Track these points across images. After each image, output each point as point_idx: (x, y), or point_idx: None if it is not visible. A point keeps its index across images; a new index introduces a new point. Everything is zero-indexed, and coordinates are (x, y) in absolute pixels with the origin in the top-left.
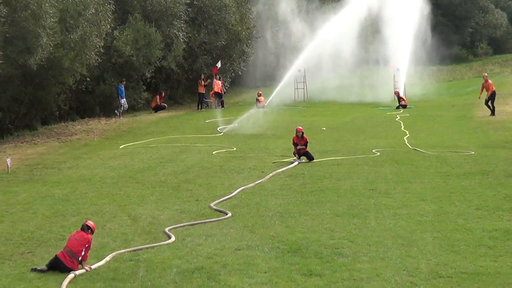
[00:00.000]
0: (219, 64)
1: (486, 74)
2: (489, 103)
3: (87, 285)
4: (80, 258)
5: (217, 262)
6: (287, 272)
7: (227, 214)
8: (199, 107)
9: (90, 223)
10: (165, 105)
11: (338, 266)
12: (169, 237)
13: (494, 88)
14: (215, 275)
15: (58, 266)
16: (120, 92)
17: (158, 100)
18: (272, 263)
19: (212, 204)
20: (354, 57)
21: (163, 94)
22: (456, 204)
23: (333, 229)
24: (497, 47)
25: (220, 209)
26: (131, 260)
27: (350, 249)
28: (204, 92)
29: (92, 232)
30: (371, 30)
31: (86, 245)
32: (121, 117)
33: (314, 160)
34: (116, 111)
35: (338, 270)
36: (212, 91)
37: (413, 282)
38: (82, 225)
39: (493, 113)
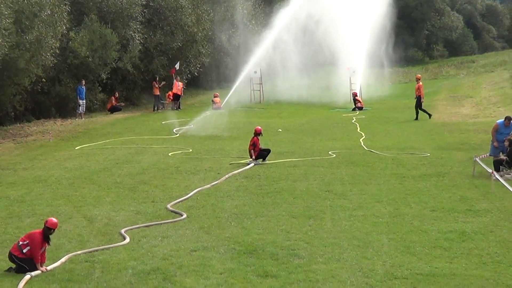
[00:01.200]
0: (177, 66)
1: (419, 75)
2: (417, 107)
3: (42, 286)
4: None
5: (172, 263)
6: (243, 273)
7: (182, 216)
8: (155, 108)
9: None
10: (121, 106)
11: (294, 267)
12: (124, 238)
13: (422, 92)
14: (171, 276)
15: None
16: (79, 93)
17: (113, 101)
18: (228, 264)
19: (168, 206)
20: (309, 59)
21: (117, 95)
22: (412, 206)
23: (289, 230)
24: (453, 50)
25: (176, 210)
26: (86, 261)
27: (306, 251)
28: (159, 93)
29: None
30: (327, 31)
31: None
32: (82, 118)
33: (269, 161)
34: (77, 111)
35: (294, 272)
36: (171, 92)
37: (368, 283)
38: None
39: (416, 117)
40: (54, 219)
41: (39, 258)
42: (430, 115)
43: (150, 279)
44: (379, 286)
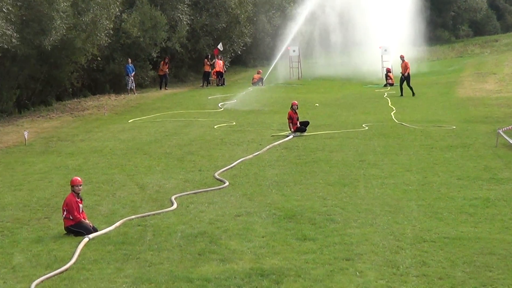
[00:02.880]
0: (220, 46)
1: (402, 54)
2: (404, 84)
3: (99, 248)
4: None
5: (218, 227)
6: (283, 236)
7: (225, 183)
8: (204, 84)
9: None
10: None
11: (330, 231)
12: (173, 204)
13: (409, 69)
14: (217, 239)
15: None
16: (127, 70)
17: (163, 67)
18: (269, 229)
19: (215, 174)
20: (344, 38)
21: (167, 60)
22: (439, 175)
23: (326, 197)
24: (477, 30)
25: (221, 178)
26: (139, 225)
27: (341, 216)
28: (209, 70)
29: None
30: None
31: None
32: (135, 93)
33: (307, 134)
34: (127, 87)
35: (330, 235)
36: (214, 70)
37: (399, 246)
38: None
39: (413, 93)
40: (76, 177)
41: (79, 216)
42: (401, 95)
43: (198, 241)
44: (409, 248)
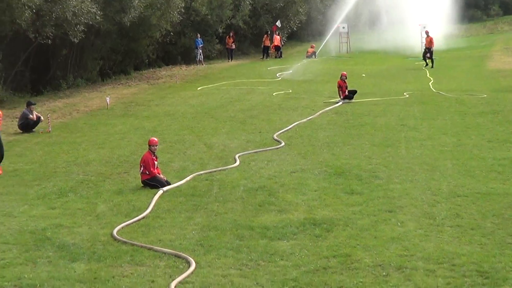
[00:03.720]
0: (278, 23)
1: (428, 30)
2: (428, 56)
3: (172, 199)
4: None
5: (276, 182)
6: (333, 190)
7: (282, 144)
8: (264, 57)
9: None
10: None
11: (375, 186)
12: (236, 162)
13: (433, 44)
14: (275, 192)
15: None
16: (196, 44)
17: (228, 41)
18: (321, 183)
19: (274, 135)
20: (388, 15)
21: (231, 33)
22: (472, 137)
23: (371, 156)
24: (507, 9)
25: (278, 139)
26: (206, 180)
27: (384, 173)
28: (268, 45)
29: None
30: None
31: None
32: (203, 64)
33: (354, 101)
34: (196, 58)
35: (375, 190)
36: (273, 44)
37: (436, 200)
38: None
39: (432, 65)
40: (153, 138)
41: (154, 172)
42: (427, 65)
43: (258, 194)
44: (444, 202)
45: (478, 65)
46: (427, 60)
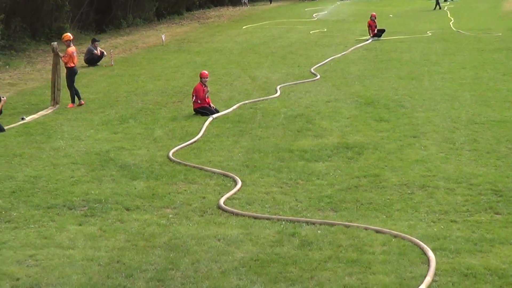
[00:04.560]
0: None
1: None
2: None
3: (220, 125)
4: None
5: (313, 110)
6: (363, 118)
7: (318, 76)
8: None
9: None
10: None
11: (401, 114)
12: (276, 92)
13: None
14: (312, 120)
15: (197, 113)
16: None
17: None
18: (353, 112)
19: (311, 69)
20: None
21: None
22: (488, 71)
23: (397, 88)
24: None
25: (315, 72)
26: (251, 108)
27: (409, 103)
28: None
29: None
30: None
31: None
32: (248, 6)
33: (382, 38)
34: (242, 1)
35: (401, 117)
36: None
37: (455, 127)
38: None
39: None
40: (204, 71)
41: (205, 100)
42: (440, 8)
43: (297, 121)
44: (463, 129)
45: (494, 7)
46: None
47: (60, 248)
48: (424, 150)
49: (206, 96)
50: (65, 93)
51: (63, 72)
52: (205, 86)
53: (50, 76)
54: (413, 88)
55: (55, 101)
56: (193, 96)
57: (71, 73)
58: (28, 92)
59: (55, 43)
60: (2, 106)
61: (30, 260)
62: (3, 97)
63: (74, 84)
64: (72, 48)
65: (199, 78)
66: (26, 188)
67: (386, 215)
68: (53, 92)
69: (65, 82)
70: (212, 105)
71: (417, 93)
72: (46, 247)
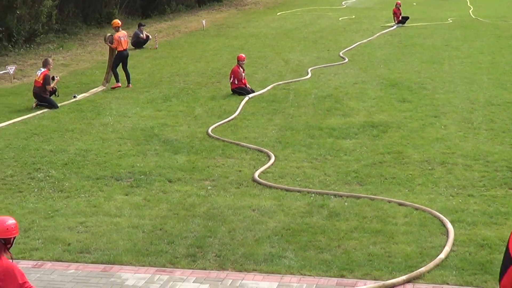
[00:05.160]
0: None
1: None
2: None
3: (256, 104)
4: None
5: (341, 91)
6: (388, 99)
7: (346, 60)
8: None
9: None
10: None
11: (423, 96)
12: (308, 74)
13: None
14: (340, 100)
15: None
16: None
17: None
18: (378, 93)
19: (340, 53)
20: None
21: None
22: (505, 56)
23: (420, 71)
24: None
25: (343, 56)
26: (284, 89)
27: (431, 85)
28: None
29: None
30: None
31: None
32: None
33: (406, 25)
34: None
35: (423, 99)
36: None
37: (473, 108)
38: None
39: None
40: (241, 54)
41: (242, 81)
42: None
43: (326, 101)
44: (481, 109)
45: None
46: None
47: (108, 216)
48: (444, 129)
49: (243, 77)
50: (121, 76)
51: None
52: (242, 68)
53: (99, 58)
54: (434, 72)
55: (106, 80)
56: (231, 77)
57: (120, 56)
58: (79, 72)
59: (109, 34)
60: (55, 84)
61: (80, 227)
62: (56, 77)
63: (127, 67)
64: (119, 33)
65: (236, 61)
66: (77, 161)
67: (408, 189)
68: (107, 73)
69: (111, 62)
70: (248, 85)
71: (438, 76)
72: (95, 215)
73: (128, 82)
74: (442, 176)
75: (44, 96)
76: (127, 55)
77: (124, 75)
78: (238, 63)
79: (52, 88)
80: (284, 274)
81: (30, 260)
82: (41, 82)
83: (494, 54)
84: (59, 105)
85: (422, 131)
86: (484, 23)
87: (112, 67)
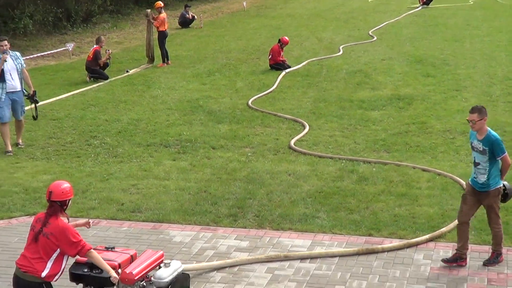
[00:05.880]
0: None
1: None
2: None
3: (291, 78)
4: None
5: (370, 67)
6: (413, 74)
7: (374, 38)
8: None
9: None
10: None
11: (445, 71)
12: (339, 51)
13: None
14: (369, 75)
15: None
16: None
17: None
18: (404, 69)
19: (369, 32)
20: None
21: None
22: None
23: (443, 48)
24: None
25: (372, 34)
26: (318, 65)
27: (453, 61)
28: None
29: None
30: None
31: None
32: None
33: (430, 6)
34: None
35: (445, 74)
36: None
37: (492, 82)
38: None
39: None
40: (286, 38)
41: (279, 59)
42: None
43: (356, 76)
44: (499, 84)
45: None
46: None
47: (157, 179)
48: (464, 102)
49: (281, 56)
50: (158, 51)
51: (155, 34)
52: (282, 49)
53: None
54: (456, 49)
55: (150, 57)
56: (269, 54)
57: (162, 36)
58: (131, 49)
59: (149, 10)
60: (108, 58)
61: (132, 189)
62: (108, 50)
63: (165, 46)
64: (163, 14)
65: (278, 41)
66: (129, 129)
67: (431, 156)
68: (148, 50)
69: (157, 42)
70: (286, 62)
71: (460, 53)
72: (146, 178)
73: (168, 59)
74: (462, 144)
75: (93, 68)
76: (167, 35)
77: (161, 54)
78: (280, 44)
79: (103, 63)
80: (316, 233)
81: (88, 218)
82: (92, 57)
83: None
84: (113, 78)
85: (445, 103)
86: (503, 4)
87: (161, 47)
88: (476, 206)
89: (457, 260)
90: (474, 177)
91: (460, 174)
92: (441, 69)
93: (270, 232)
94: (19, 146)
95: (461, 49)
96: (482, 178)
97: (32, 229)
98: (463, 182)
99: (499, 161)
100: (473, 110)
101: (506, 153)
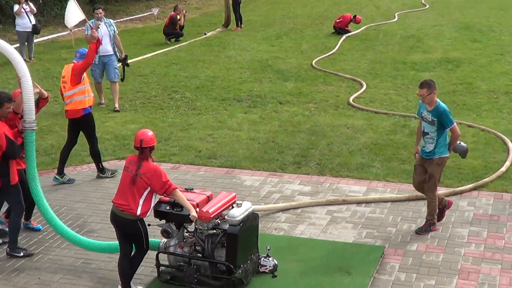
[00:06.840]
0: None
1: None
2: None
3: (351, 42)
4: None
5: (422, 32)
6: (462, 39)
7: (426, 6)
8: None
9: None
10: None
11: (491, 37)
12: (394, 17)
13: None
14: (421, 39)
15: None
16: None
17: None
18: (453, 34)
19: (422, 0)
20: None
21: None
22: None
23: (489, 16)
24: None
25: (424, 3)
26: (375, 30)
27: (498, 28)
28: None
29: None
30: None
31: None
32: None
33: None
34: None
35: (491, 39)
36: None
37: None
38: None
39: None
40: (360, 17)
41: (347, 29)
42: None
43: (409, 40)
44: None
45: None
46: None
47: (231, 130)
48: (508, 65)
49: (348, 26)
50: (233, 16)
51: (231, 0)
52: (351, 22)
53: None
54: (501, 17)
55: (226, 22)
56: (340, 18)
57: (236, 2)
58: (209, 14)
59: None
60: (182, 21)
61: (209, 138)
62: (183, 11)
63: (239, 11)
64: None
65: (338, 7)
66: (206, 85)
67: (476, 113)
68: (226, 13)
69: (232, 8)
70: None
71: (504, 21)
72: (221, 129)
73: (241, 23)
74: (505, 103)
75: (168, 31)
76: (240, 1)
77: (235, 18)
78: (353, 18)
79: (179, 26)
80: (371, 180)
81: (169, 163)
82: (168, 22)
83: None
84: (192, 40)
85: (490, 66)
86: None
87: (234, 11)
88: (424, 174)
89: (430, 227)
90: (423, 146)
91: (502, 130)
92: (487, 35)
93: (330, 179)
94: (115, 110)
95: (506, 17)
96: (430, 147)
97: (126, 170)
98: (505, 138)
99: (447, 131)
100: (422, 86)
101: (455, 124)
